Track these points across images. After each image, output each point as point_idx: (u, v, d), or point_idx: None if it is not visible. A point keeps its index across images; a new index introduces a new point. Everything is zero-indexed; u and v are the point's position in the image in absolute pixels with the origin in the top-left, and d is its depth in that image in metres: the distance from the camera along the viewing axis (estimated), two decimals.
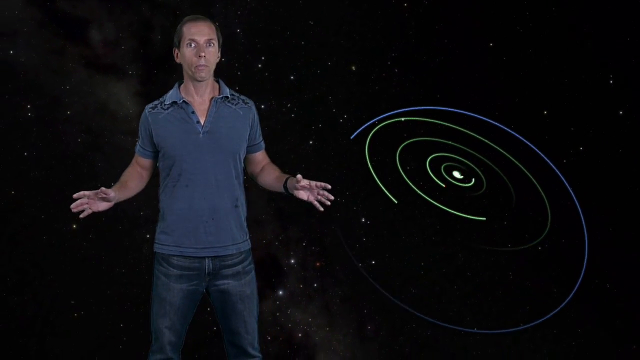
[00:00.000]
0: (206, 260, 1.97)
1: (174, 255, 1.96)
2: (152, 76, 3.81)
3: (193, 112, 1.97)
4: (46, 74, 3.61)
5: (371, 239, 4.17)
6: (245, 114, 2.03)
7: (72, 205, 1.81)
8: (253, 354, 2.04)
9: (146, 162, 2.06)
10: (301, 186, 1.91)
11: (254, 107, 2.08)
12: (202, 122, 1.97)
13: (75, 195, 1.80)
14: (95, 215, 3.55)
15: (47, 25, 3.60)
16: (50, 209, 3.53)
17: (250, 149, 2.08)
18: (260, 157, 2.12)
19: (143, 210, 3.60)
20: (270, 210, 3.93)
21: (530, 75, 4.37)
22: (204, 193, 1.94)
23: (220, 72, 4.06)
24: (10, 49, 3.51)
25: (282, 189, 2.02)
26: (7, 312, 3.43)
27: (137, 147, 2.06)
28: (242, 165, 2.06)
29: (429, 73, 4.30)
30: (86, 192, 1.81)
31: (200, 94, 1.99)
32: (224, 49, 4.05)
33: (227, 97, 2.02)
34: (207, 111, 1.98)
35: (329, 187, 1.93)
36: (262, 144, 2.14)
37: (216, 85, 2.03)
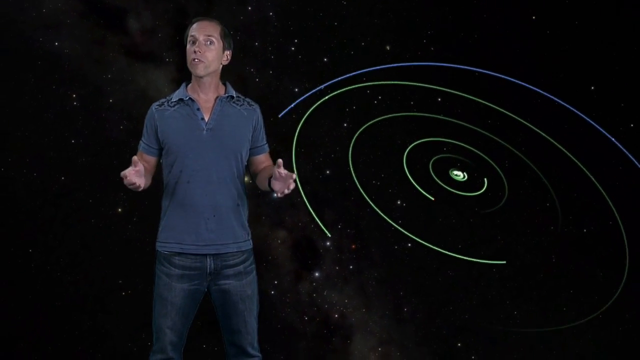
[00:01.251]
0: (208, 259, 1.97)
1: (175, 255, 1.97)
2: None
3: (198, 109, 2.01)
4: (89, 63, 3.75)
5: (407, 221, 4.13)
6: (249, 116, 2.06)
7: (126, 182, 1.86)
8: (253, 353, 2.06)
9: (151, 159, 2.07)
10: (279, 172, 1.87)
11: (258, 110, 2.11)
12: (206, 119, 2.00)
13: (122, 174, 1.86)
14: (137, 199, 3.71)
15: (88, 16, 3.73)
16: (97, 194, 3.70)
17: (254, 151, 2.10)
18: (263, 159, 2.14)
19: None
20: (305, 193, 3.96)
21: (576, 49, 4.15)
22: (205, 190, 1.96)
23: (254, 57, 4.10)
24: (56, 41, 3.66)
25: (267, 188, 2.02)
26: (62, 290, 3.62)
27: (142, 145, 2.08)
28: (244, 166, 2.08)
29: (466, 51, 4.17)
30: (125, 172, 1.86)
31: (205, 92, 2.03)
32: (257, 33, 4.07)
33: (232, 97, 2.06)
34: (212, 109, 2.02)
35: (294, 176, 1.90)
36: (266, 147, 2.17)
37: (222, 86, 2.07)
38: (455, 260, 4.16)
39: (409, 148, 4.22)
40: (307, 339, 3.77)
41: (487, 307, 4.15)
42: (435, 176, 4.15)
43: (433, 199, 3.87)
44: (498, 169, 4.18)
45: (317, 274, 3.90)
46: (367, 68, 4.15)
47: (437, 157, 4.22)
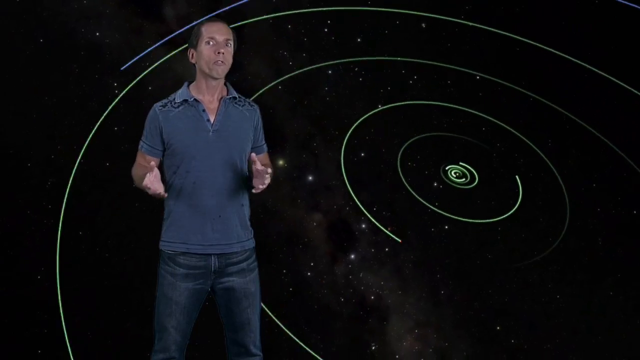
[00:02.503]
0: (212, 258, 1.97)
1: (180, 254, 1.96)
2: None
3: (204, 110, 2.00)
4: (128, 52, 3.86)
5: (444, 203, 4.07)
6: (251, 116, 2.08)
7: (151, 193, 1.88)
8: (254, 352, 2.05)
9: (152, 160, 2.02)
10: (255, 169, 1.91)
11: (258, 111, 2.12)
12: (212, 120, 2.00)
13: (144, 185, 1.87)
14: None
15: (126, 5, 3.83)
16: None
17: (254, 150, 2.09)
18: (262, 158, 2.12)
19: None
20: (340, 176, 3.96)
21: (627, 19, 3.90)
22: (211, 190, 1.96)
23: (287, 40, 4.09)
24: (97, 31, 3.77)
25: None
26: (110, 270, 3.80)
27: (144, 146, 2.03)
28: (247, 166, 2.06)
29: (506, 26, 4.00)
30: (147, 182, 1.86)
31: (211, 93, 2.03)
32: (290, 16, 4.05)
33: (234, 98, 2.06)
34: (217, 110, 2.01)
35: (270, 171, 1.94)
36: (265, 147, 2.17)
37: (225, 88, 2.07)
38: (495, 242, 4.08)
39: (445, 129, 4.13)
40: (343, 320, 3.81)
41: (528, 290, 4.06)
42: (470, 158, 4.05)
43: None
44: (539, 151, 4.04)
45: (352, 256, 3.91)
46: (402, 47, 4.07)
47: (472, 138, 4.11)
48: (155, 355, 1.99)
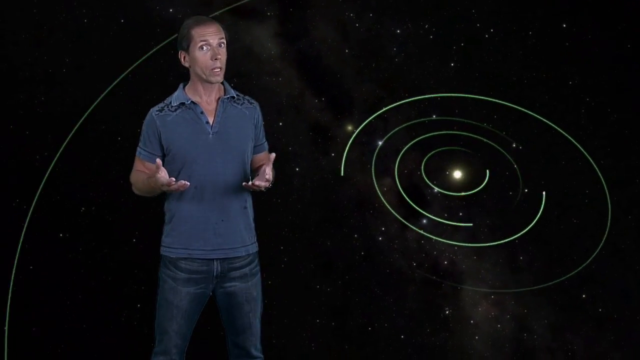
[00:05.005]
0: (215, 262, 1.98)
1: (182, 259, 1.96)
2: (288, 15, 3.92)
3: (202, 113, 1.98)
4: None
5: (524, 166, 3.84)
6: (251, 114, 2.07)
7: (174, 188, 1.89)
8: (255, 354, 2.06)
9: (153, 167, 1.96)
10: (264, 170, 1.93)
11: (258, 108, 2.10)
12: (211, 122, 1.99)
13: (167, 185, 1.89)
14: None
15: None
16: None
17: (254, 149, 2.09)
18: (262, 157, 2.12)
19: None
20: (408, 140, 3.89)
21: None
22: (213, 194, 1.96)
23: (353, 1, 3.97)
24: (170, 7, 3.92)
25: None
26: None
27: (143, 153, 2.01)
28: (249, 166, 2.07)
29: None
30: (164, 180, 1.88)
31: (208, 94, 2.01)
32: None
33: (233, 97, 2.04)
34: (215, 111, 2.00)
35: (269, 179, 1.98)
36: (266, 145, 2.15)
37: (221, 87, 2.05)
38: (581, 206, 3.80)
39: (525, 85, 3.84)
40: (415, 284, 3.83)
41: (619, 257, 3.76)
42: (550, 114, 3.75)
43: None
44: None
45: (424, 221, 3.87)
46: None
47: (550, 94, 3.79)
48: (155, 357, 1.99)
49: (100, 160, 3.72)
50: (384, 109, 3.77)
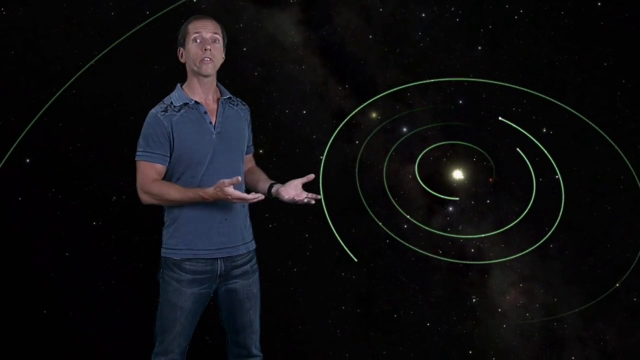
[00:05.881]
0: (218, 261, 1.99)
1: (186, 260, 1.96)
2: (311, 2, 3.89)
3: (205, 113, 2.00)
4: (222, 15, 4.00)
5: (554, 151, 3.72)
6: (245, 115, 2.11)
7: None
8: (256, 353, 2.08)
9: (164, 169, 1.98)
10: (296, 188, 1.99)
11: (249, 111, 2.15)
12: (213, 122, 2.01)
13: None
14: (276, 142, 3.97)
15: None
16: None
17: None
18: (249, 158, 2.20)
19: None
20: (434, 127, 3.83)
21: None
22: None
23: None
24: None
25: (265, 191, 2.08)
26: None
27: (154, 156, 1.96)
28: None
29: None
30: (233, 193, 1.89)
31: (206, 93, 2.03)
32: None
33: (230, 98, 2.08)
34: (217, 112, 2.02)
35: (319, 197, 2.03)
36: (252, 148, 2.21)
37: (217, 88, 2.08)
38: (615, 192, 3.66)
39: (557, 68, 3.70)
40: (442, 272, 3.80)
41: None
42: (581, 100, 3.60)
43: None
44: None
45: (451, 208, 3.82)
46: None
47: (583, 76, 3.63)
48: (156, 358, 2.00)
49: (130, 150, 3.81)
50: (386, 92, 3.68)
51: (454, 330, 3.80)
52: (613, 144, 3.55)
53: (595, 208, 3.69)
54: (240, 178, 1.85)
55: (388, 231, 3.78)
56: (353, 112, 3.72)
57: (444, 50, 3.79)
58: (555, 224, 3.58)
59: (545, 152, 3.75)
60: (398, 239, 3.76)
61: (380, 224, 3.85)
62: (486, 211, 3.87)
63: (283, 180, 3.86)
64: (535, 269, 3.80)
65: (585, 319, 3.73)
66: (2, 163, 3.54)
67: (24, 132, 3.56)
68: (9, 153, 3.53)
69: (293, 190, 1.98)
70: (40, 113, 3.46)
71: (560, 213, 3.63)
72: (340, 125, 3.69)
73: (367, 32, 3.85)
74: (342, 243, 3.51)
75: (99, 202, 3.71)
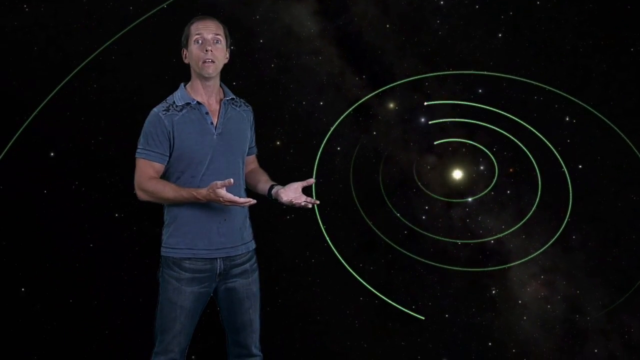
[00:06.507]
0: (218, 261, 2.00)
1: (186, 259, 1.97)
2: None
3: (207, 113, 2.01)
4: (239, 7, 4.00)
5: (576, 140, 3.63)
6: (247, 117, 2.13)
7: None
8: (256, 353, 2.08)
9: (163, 168, 2.00)
10: (293, 192, 1.99)
11: (252, 112, 2.16)
12: (214, 123, 2.02)
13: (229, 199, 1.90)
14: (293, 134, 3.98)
15: None
16: (258, 129, 4.08)
17: (247, 151, 2.13)
18: (252, 159, 2.22)
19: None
20: (455, 116, 3.77)
21: None
22: None
23: None
24: None
25: (265, 193, 2.10)
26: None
27: (153, 155, 1.99)
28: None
29: None
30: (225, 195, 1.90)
31: (209, 94, 2.04)
32: None
33: (233, 99, 2.09)
34: (218, 112, 2.03)
35: (318, 202, 2.04)
36: (255, 149, 2.23)
37: (220, 88, 2.09)
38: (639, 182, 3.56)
39: (581, 54, 3.59)
40: (460, 263, 3.78)
41: None
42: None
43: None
44: None
45: (469, 199, 3.77)
46: None
47: (609, 63, 3.51)
48: (156, 357, 2.00)
49: None
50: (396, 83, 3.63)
51: (473, 322, 3.77)
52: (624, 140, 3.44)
53: (620, 198, 3.59)
54: (232, 180, 1.85)
55: (406, 222, 3.75)
56: (364, 99, 3.67)
57: (463, 39, 3.72)
58: (567, 215, 3.49)
59: (569, 141, 3.66)
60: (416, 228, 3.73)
61: (398, 214, 3.83)
62: (506, 201, 3.80)
63: (299, 173, 3.91)
64: (557, 260, 3.73)
65: (609, 312, 3.66)
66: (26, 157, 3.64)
67: (41, 126, 3.64)
68: (13, 146, 3.61)
69: (292, 193, 1.99)
70: (44, 104, 3.52)
71: (570, 205, 3.54)
72: (348, 111, 3.66)
73: (384, 21, 3.80)
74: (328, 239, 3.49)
75: (121, 195, 3.79)
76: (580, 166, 3.61)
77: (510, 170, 3.75)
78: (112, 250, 3.79)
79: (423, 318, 3.58)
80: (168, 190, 1.94)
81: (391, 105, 3.86)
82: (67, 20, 3.72)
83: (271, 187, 2.08)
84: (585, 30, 3.55)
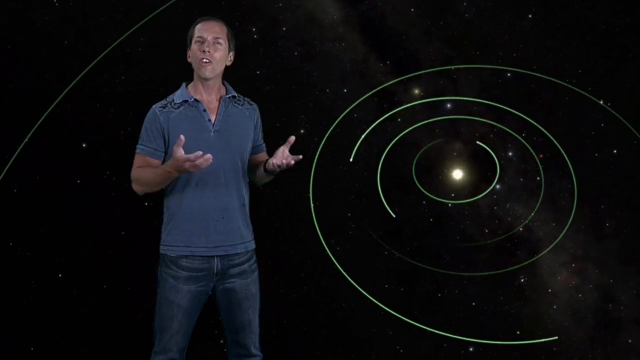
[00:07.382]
0: (215, 260, 1.99)
1: (183, 257, 1.97)
2: None
3: (204, 110, 2.02)
4: None
5: (611, 126, 3.49)
6: (250, 115, 2.10)
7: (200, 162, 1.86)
8: (255, 353, 2.08)
9: (158, 163, 2.01)
10: (283, 152, 1.95)
11: (257, 110, 2.13)
12: (212, 120, 2.02)
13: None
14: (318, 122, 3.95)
15: None
16: (282, 118, 4.09)
17: (253, 150, 2.12)
18: (261, 157, 2.15)
19: None
20: (479, 103, 3.68)
21: None
22: (214, 192, 1.98)
23: None
24: None
25: (264, 174, 2.07)
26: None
27: (145, 149, 2.02)
28: (247, 165, 2.10)
29: None
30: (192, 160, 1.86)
31: (209, 93, 2.04)
32: None
33: (234, 97, 2.07)
34: (217, 110, 2.03)
35: (300, 157, 1.97)
36: (264, 146, 2.19)
37: (223, 87, 2.09)
38: None
39: (616, 31, 3.43)
40: (488, 251, 3.72)
41: None
42: None
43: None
44: None
45: (498, 186, 3.70)
46: None
47: None
48: (156, 357, 2.00)
49: None
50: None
51: (501, 311, 3.71)
52: None
53: None
54: (184, 138, 1.85)
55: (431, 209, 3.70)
56: (385, 84, 3.61)
57: (491, 20, 3.59)
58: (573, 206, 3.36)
59: (602, 125, 3.51)
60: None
61: (424, 202, 3.79)
62: (535, 189, 3.70)
63: (323, 161, 3.89)
64: (589, 248, 3.62)
65: None
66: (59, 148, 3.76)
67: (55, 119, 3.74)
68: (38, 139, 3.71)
69: (280, 157, 1.96)
70: (72, 95, 3.60)
71: (574, 195, 3.41)
72: (365, 96, 3.61)
73: (409, 4, 3.72)
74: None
75: None
76: (614, 151, 3.47)
77: (541, 156, 3.64)
78: (145, 237, 3.87)
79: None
80: (148, 172, 1.96)
81: (416, 92, 3.79)
82: (94, 14, 3.78)
83: (265, 163, 2.04)
84: (622, 8, 3.38)
